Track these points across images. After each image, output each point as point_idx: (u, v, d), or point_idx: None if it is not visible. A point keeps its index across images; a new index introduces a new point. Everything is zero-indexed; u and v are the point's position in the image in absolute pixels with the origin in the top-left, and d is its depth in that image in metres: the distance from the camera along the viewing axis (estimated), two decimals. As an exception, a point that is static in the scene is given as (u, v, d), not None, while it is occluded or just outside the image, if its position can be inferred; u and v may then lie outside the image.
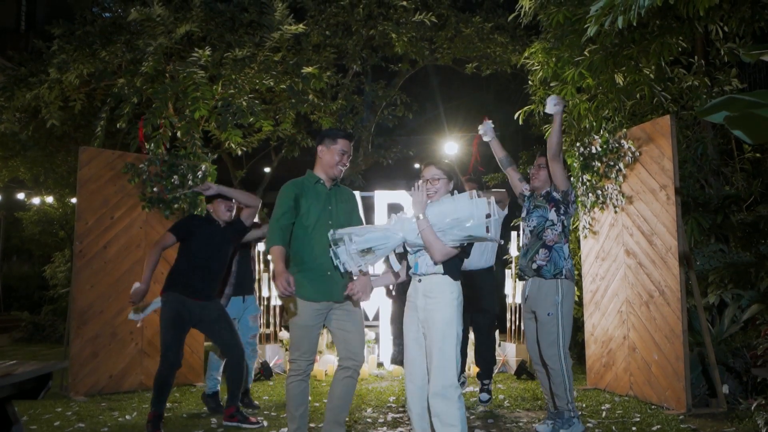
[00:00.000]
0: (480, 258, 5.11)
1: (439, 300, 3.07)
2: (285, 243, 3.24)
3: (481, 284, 5.11)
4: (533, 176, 4.27)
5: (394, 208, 7.38)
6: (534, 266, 4.07)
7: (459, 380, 3.14)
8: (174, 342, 4.17)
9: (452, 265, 3.08)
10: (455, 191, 3.24)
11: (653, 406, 4.89)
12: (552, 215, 4.07)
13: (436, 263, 3.07)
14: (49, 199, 11.20)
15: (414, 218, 3.09)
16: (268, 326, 7.08)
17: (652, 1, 2.99)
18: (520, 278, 4.29)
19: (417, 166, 12.03)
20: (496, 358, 6.78)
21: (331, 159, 3.42)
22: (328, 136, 3.49)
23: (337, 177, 3.48)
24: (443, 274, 3.08)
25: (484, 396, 5.05)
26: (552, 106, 4.05)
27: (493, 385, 6.01)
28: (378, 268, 5.11)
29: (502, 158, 4.46)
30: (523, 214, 4.31)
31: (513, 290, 6.97)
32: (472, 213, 2.94)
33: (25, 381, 2.17)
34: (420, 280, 3.16)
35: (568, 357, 4.01)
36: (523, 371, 6.38)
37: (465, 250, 3.12)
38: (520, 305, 6.90)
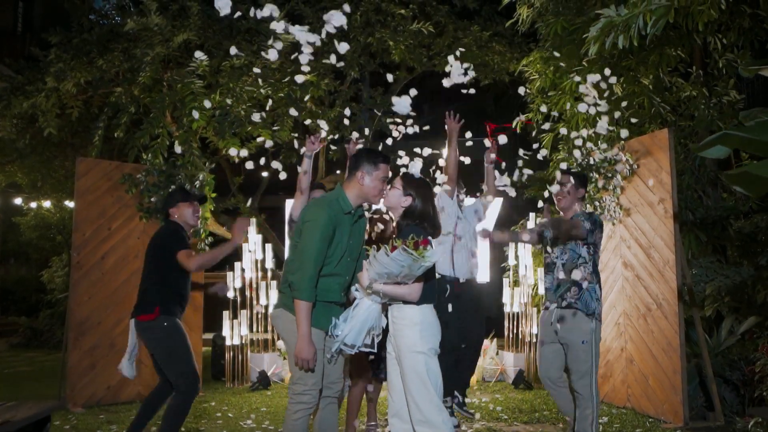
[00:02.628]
0: (462, 266, 4.52)
1: (401, 326, 3.05)
2: (314, 298, 3.05)
3: (462, 301, 4.48)
4: (559, 197, 4.05)
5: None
6: (564, 303, 3.86)
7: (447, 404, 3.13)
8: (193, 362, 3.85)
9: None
10: (414, 204, 3.13)
11: (651, 419, 4.90)
12: (583, 251, 3.87)
13: (416, 302, 3.04)
14: (47, 204, 11.18)
15: (367, 292, 3.04)
16: (266, 332, 7.10)
17: (656, 28, 2.99)
18: (549, 303, 4.03)
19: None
20: (494, 368, 6.81)
21: (373, 188, 3.13)
22: (368, 159, 3.13)
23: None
24: (404, 302, 3.05)
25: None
26: None
27: (491, 395, 6.02)
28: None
29: (511, 239, 4.25)
30: (547, 247, 4.06)
31: (511, 298, 6.96)
32: (400, 268, 2.86)
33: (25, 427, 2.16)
34: (389, 304, 3.16)
35: (597, 388, 3.83)
36: (521, 381, 6.39)
37: (428, 275, 3.04)
38: (517, 313, 6.90)
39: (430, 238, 3.00)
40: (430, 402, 2.96)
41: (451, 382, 4.28)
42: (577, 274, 3.86)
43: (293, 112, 4.69)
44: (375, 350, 3.15)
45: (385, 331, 3.20)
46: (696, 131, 6.05)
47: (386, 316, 3.18)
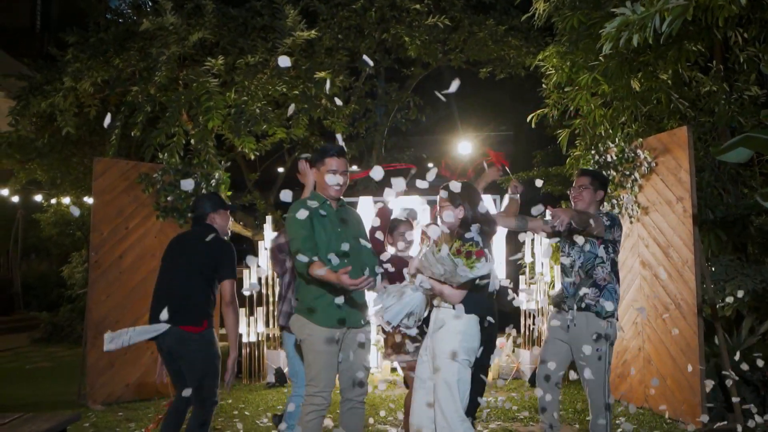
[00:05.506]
0: None
1: (445, 331, 3.06)
2: (316, 256, 3.12)
3: None
4: (575, 198, 3.88)
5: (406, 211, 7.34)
6: (582, 305, 3.73)
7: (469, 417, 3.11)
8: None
9: (465, 299, 3.03)
10: (467, 213, 3.15)
11: (669, 420, 4.85)
12: (601, 251, 3.73)
13: (455, 306, 3.04)
14: (66, 200, 11.31)
15: (412, 280, 3.10)
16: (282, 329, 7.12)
17: (672, 28, 2.92)
18: (557, 308, 3.92)
19: (431, 165, 11.98)
20: (510, 366, 6.78)
21: (322, 180, 3.30)
22: (317, 156, 3.35)
23: (336, 197, 3.36)
24: (453, 306, 3.04)
25: None
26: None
27: (507, 393, 6.00)
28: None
29: (516, 226, 3.91)
30: (564, 248, 3.91)
31: (527, 296, 6.91)
32: (443, 269, 2.88)
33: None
34: (436, 305, 3.17)
35: (611, 393, 3.72)
36: (538, 379, 6.35)
37: (479, 284, 3.04)
38: (532, 311, 6.86)
39: (486, 250, 2.99)
40: (455, 411, 2.98)
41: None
42: (597, 274, 3.73)
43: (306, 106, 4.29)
44: (414, 334, 3.19)
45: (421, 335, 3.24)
46: (716, 127, 5.94)
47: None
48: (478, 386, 4.27)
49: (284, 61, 2.87)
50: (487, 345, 3.95)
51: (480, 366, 4.19)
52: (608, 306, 3.70)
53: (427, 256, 2.94)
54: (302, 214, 3.11)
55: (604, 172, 5.51)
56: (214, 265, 3.64)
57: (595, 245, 3.76)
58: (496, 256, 4.69)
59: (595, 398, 3.71)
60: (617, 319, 3.79)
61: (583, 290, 3.73)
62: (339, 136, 3.26)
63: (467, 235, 3.02)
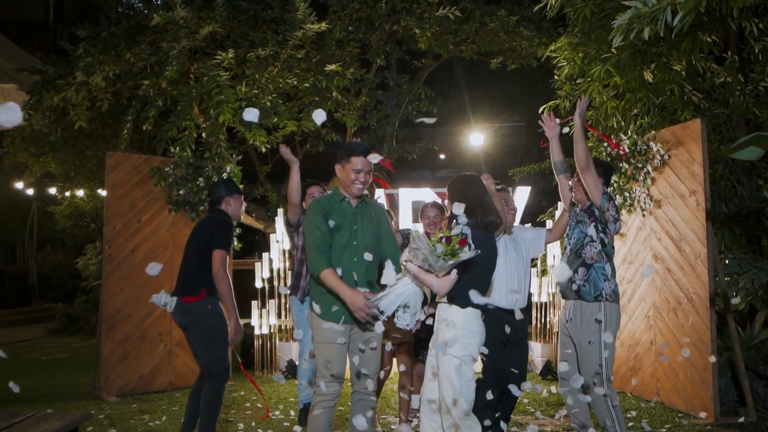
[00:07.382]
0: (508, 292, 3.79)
1: (443, 326, 3.10)
2: (331, 264, 3.19)
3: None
4: (574, 188, 3.90)
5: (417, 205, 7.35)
6: (574, 287, 3.71)
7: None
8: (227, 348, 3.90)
9: (457, 293, 3.04)
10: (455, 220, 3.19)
11: (680, 414, 4.83)
12: (591, 231, 3.72)
13: (443, 296, 3.10)
14: (80, 193, 11.42)
15: (403, 269, 3.12)
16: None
17: (683, 23, 2.88)
18: (563, 297, 3.92)
19: (442, 157, 11.98)
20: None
21: (346, 178, 3.31)
22: (343, 153, 3.36)
23: (358, 195, 3.36)
24: (449, 302, 3.09)
25: None
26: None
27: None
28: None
29: (557, 162, 4.01)
30: (566, 231, 3.95)
31: (539, 288, 6.91)
32: (423, 255, 2.91)
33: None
34: (438, 300, 3.20)
35: (613, 388, 3.66)
36: (549, 372, 6.35)
37: (470, 271, 3.04)
38: (545, 303, 6.86)
39: (469, 240, 2.99)
40: (458, 407, 3.00)
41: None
42: (586, 253, 3.73)
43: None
44: (409, 328, 3.18)
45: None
46: (730, 119, 5.87)
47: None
48: (508, 402, 3.77)
49: (319, 116, 3.09)
50: (515, 351, 3.74)
51: (516, 377, 3.66)
52: (599, 285, 3.67)
53: (412, 244, 2.98)
54: (318, 211, 3.27)
55: (616, 164, 5.48)
56: (209, 238, 3.85)
57: (586, 224, 3.77)
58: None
59: (595, 397, 3.61)
60: (614, 301, 3.69)
61: (572, 270, 3.72)
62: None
63: (456, 227, 3.06)
